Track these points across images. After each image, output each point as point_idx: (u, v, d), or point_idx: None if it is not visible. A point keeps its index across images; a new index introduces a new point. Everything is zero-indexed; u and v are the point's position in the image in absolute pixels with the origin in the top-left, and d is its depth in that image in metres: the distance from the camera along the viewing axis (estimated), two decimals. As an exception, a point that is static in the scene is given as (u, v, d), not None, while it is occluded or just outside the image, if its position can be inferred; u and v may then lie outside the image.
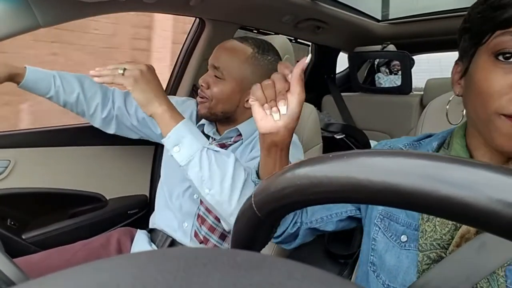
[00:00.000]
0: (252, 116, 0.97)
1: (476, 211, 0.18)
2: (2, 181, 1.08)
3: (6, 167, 1.08)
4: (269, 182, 0.28)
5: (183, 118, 0.80)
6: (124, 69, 0.78)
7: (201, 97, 0.93)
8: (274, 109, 0.55)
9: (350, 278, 0.79)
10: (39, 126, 1.20)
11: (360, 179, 0.22)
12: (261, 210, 0.29)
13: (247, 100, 0.89)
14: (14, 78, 0.93)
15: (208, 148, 0.77)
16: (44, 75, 0.98)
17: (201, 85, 0.92)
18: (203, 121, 1.03)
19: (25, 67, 0.95)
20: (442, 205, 0.19)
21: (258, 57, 0.91)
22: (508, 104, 0.42)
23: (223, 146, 0.96)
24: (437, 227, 0.50)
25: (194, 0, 1.10)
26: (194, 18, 1.35)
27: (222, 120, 0.96)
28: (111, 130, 1.09)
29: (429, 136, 0.60)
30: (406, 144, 0.61)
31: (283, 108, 0.55)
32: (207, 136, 1.01)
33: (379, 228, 0.55)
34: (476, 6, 0.48)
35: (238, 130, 0.96)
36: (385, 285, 0.52)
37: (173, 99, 1.13)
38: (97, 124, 1.08)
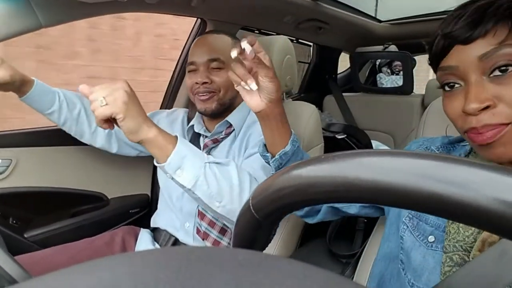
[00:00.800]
0: (240, 102, 0.98)
1: (468, 209, 0.19)
2: (3, 180, 1.08)
3: (8, 166, 1.08)
4: (266, 184, 0.28)
5: (175, 136, 0.72)
6: (104, 98, 0.64)
7: (205, 94, 0.93)
8: (249, 81, 0.62)
9: (352, 278, 0.79)
10: (41, 126, 1.21)
11: (359, 179, 0.22)
12: (259, 212, 0.29)
13: None
14: (22, 86, 0.89)
15: (209, 163, 0.73)
16: (49, 89, 0.96)
17: (204, 82, 0.92)
18: (191, 121, 1.04)
19: (33, 78, 0.91)
20: (438, 203, 0.19)
21: (235, 42, 0.97)
22: (464, 124, 0.48)
23: (216, 141, 0.96)
24: (460, 228, 0.50)
25: (196, 1, 1.11)
26: (196, 19, 1.35)
27: (225, 110, 0.97)
28: (113, 149, 1.09)
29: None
30: (439, 147, 0.62)
31: (253, 85, 0.62)
32: (198, 135, 1.02)
33: (407, 226, 0.56)
34: None
35: (228, 122, 0.96)
36: (410, 284, 0.52)
37: (162, 113, 1.13)
38: (99, 143, 1.06)
